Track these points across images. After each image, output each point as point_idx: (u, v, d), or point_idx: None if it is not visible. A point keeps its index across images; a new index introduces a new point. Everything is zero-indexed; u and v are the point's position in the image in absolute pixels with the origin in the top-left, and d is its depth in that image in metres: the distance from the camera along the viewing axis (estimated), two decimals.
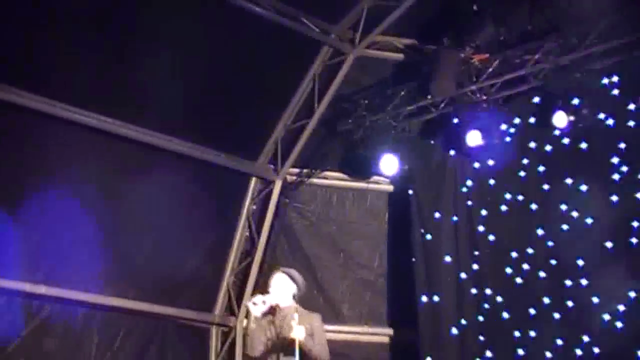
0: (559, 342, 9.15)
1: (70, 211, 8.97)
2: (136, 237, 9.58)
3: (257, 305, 6.34)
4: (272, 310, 6.50)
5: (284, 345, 6.32)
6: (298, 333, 6.24)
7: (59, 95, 8.46)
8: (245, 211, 10.67)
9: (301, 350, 6.29)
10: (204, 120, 9.63)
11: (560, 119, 9.04)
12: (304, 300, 6.68)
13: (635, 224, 8.88)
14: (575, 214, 9.32)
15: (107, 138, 9.06)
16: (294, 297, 6.60)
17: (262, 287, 10.53)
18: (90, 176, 9.09)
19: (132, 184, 9.44)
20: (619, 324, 8.79)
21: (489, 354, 9.63)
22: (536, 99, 9.54)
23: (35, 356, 8.73)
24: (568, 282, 9.24)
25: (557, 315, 9.26)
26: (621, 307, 8.78)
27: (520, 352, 9.42)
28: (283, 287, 6.54)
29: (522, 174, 9.82)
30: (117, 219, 9.37)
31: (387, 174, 10.38)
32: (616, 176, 9.11)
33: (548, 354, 9.20)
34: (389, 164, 10.10)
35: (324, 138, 10.72)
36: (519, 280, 9.62)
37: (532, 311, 9.42)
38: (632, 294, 8.74)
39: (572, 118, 9.03)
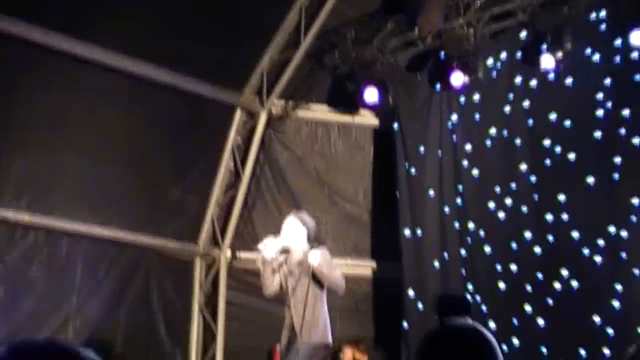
0: (539, 275, 9.23)
1: (55, 139, 8.97)
2: (120, 167, 9.60)
3: (268, 246, 6.54)
4: (286, 254, 6.74)
5: (296, 284, 6.62)
6: (313, 258, 6.37)
7: (38, 21, 8.37)
8: (229, 143, 10.64)
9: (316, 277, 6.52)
10: (189, 51, 9.57)
11: (547, 61, 8.99)
12: None
13: (617, 159, 8.90)
14: (558, 149, 9.33)
15: (91, 67, 9.01)
16: (308, 239, 6.81)
17: (246, 219, 10.66)
18: (74, 105, 9.06)
19: (116, 114, 9.44)
20: (598, 259, 8.86)
21: (470, 287, 9.71)
22: (523, 34, 9.47)
23: (19, 282, 8.78)
24: (549, 217, 9.29)
25: (538, 250, 9.33)
26: (601, 242, 8.85)
27: (502, 285, 9.51)
28: (294, 230, 6.65)
29: (507, 109, 9.80)
30: (101, 149, 9.37)
31: (370, 105, 10.35)
32: (600, 112, 9.10)
33: (528, 288, 9.29)
34: (372, 96, 10.08)
35: (310, 71, 10.66)
36: (501, 214, 9.68)
37: (513, 245, 9.50)
38: (612, 229, 8.82)
39: (559, 55, 8.97)
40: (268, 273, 6.63)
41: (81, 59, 8.88)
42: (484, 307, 9.54)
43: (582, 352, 8.72)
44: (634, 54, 8.85)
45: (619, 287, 8.66)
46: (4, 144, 8.61)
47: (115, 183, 9.57)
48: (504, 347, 9.09)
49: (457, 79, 9.57)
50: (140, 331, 9.82)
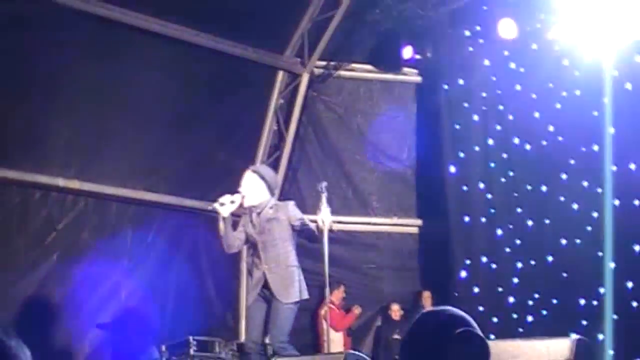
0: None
1: (99, 106, 9.04)
2: (165, 132, 9.65)
3: (224, 205, 6.38)
4: (247, 210, 6.57)
5: (265, 240, 6.42)
6: (325, 216, 6.32)
7: None
8: (273, 105, 10.66)
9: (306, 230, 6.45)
10: (230, 14, 9.52)
11: None
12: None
13: None
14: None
15: (133, 33, 9.03)
16: (270, 191, 6.62)
17: (291, 180, 10.67)
18: (118, 71, 9.08)
19: (159, 79, 9.46)
20: None
21: (518, 242, 9.66)
22: None
23: (71, 248, 8.91)
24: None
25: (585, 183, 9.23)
26: None
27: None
28: (252, 185, 6.56)
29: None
30: (146, 114, 9.42)
31: (408, 62, 10.31)
32: None
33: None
34: (408, 53, 10.07)
35: (351, 29, 10.56)
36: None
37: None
38: None
39: None
40: (228, 231, 6.46)
41: (124, 25, 8.90)
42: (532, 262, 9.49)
43: None
44: None
45: None
46: (51, 113, 8.69)
47: (161, 148, 9.64)
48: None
49: (506, 29, 9.43)
50: (191, 293, 9.93)
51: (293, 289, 6.38)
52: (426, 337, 2.37)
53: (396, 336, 10.28)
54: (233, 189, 10.32)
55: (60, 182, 8.82)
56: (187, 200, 9.97)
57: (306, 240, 6.61)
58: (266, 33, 10.07)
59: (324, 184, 6.58)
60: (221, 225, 6.44)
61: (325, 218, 6.32)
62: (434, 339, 2.35)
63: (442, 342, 2.33)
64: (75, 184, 8.93)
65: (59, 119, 8.76)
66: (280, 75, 10.68)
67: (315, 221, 6.48)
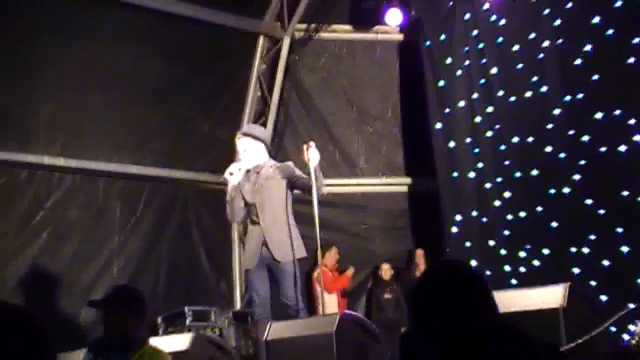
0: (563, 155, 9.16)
1: (81, 82, 8.96)
2: (148, 104, 9.58)
3: (233, 174, 6.38)
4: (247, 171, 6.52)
5: (263, 199, 6.39)
6: (313, 157, 6.27)
7: None
8: (255, 71, 10.60)
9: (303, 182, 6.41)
10: None
11: None
12: (320, 157, 6.61)
13: None
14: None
15: (112, 6, 8.93)
16: (267, 150, 6.64)
17: (278, 146, 10.63)
18: (99, 47, 9.01)
19: (139, 51, 9.38)
20: None
21: (507, 194, 9.65)
22: None
23: (60, 226, 8.89)
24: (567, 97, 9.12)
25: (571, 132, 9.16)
26: None
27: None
28: (250, 149, 6.52)
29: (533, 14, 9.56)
30: (128, 87, 9.36)
31: (394, 25, 10.27)
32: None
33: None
34: (395, 18, 10.01)
35: None
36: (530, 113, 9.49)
37: (548, 150, 9.36)
38: None
39: None
40: (239, 199, 6.44)
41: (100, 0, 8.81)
42: (522, 214, 9.50)
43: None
44: None
45: None
46: (31, 90, 8.61)
47: (145, 121, 9.59)
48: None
49: None
50: (183, 264, 9.94)
51: (293, 246, 6.35)
52: (446, 285, 2.48)
53: (387, 295, 10.34)
54: (220, 158, 10.38)
55: (46, 160, 8.78)
56: (175, 171, 9.95)
57: (300, 190, 6.56)
58: None
59: (312, 143, 6.52)
60: (232, 193, 6.41)
61: (312, 157, 6.27)
62: (455, 289, 2.46)
63: (465, 292, 2.45)
64: (60, 161, 8.89)
65: (41, 97, 8.68)
66: (261, 40, 10.61)
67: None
